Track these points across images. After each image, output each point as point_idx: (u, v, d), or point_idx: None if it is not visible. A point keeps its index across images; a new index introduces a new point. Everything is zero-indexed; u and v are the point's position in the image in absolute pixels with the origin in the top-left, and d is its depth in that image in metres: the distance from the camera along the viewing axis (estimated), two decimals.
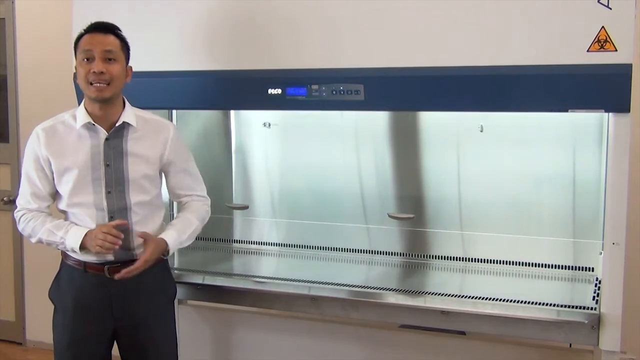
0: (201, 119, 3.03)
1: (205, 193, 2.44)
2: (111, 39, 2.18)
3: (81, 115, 2.21)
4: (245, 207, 3.03)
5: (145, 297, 2.28)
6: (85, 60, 2.15)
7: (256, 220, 3.04)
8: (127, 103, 2.26)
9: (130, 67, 2.26)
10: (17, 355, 4.02)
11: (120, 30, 2.22)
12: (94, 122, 2.20)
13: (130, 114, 2.24)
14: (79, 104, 2.53)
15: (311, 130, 2.88)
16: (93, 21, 2.21)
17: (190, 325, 2.94)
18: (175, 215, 2.43)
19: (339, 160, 2.87)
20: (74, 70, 2.63)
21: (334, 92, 2.33)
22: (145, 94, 2.29)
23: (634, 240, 2.34)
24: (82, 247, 2.16)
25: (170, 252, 2.29)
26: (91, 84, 2.15)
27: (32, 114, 3.88)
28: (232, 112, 3.04)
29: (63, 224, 2.22)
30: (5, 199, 4.02)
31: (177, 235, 2.29)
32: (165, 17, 2.51)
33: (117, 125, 2.21)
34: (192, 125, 2.85)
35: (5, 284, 4.12)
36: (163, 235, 2.26)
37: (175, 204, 2.95)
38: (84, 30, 2.20)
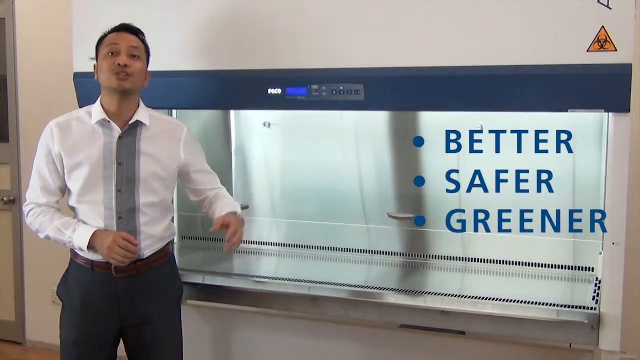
0: (201, 119, 3.03)
1: None
2: (136, 39, 2.24)
3: (97, 111, 2.23)
4: (245, 207, 3.02)
5: (152, 297, 2.29)
6: (110, 54, 2.19)
7: (256, 220, 3.04)
8: (141, 103, 2.29)
9: (149, 73, 2.29)
10: (17, 355, 4.02)
11: (143, 35, 2.28)
12: (109, 119, 2.21)
13: (144, 113, 2.27)
14: (80, 103, 2.55)
15: (311, 130, 2.88)
16: (118, 23, 2.25)
17: (191, 325, 2.94)
18: (208, 209, 2.43)
19: (339, 160, 2.87)
20: (74, 71, 2.66)
21: (334, 92, 2.33)
22: (145, 94, 2.29)
23: (634, 240, 2.34)
24: (90, 247, 2.17)
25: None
26: (113, 73, 2.17)
27: (32, 114, 3.89)
28: (232, 112, 3.04)
29: (71, 222, 2.22)
30: (5, 199, 4.02)
31: (235, 205, 2.39)
32: (165, 17, 2.51)
33: (130, 123, 2.23)
34: (192, 125, 2.85)
35: (5, 284, 4.12)
36: (227, 211, 2.32)
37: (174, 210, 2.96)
38: (108, 31, 2.24)
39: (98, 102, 2.25)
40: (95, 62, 2.26)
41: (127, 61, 2.18)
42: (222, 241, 3.06)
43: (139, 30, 2.27)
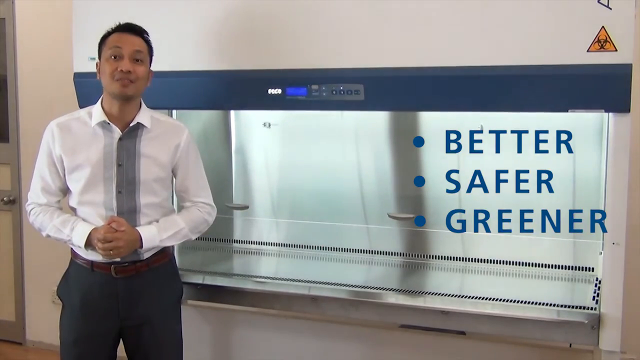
0: (201, 119, 3.03)
1: (211, 201, 2.39)
2: (140, 41, 2.21)
3: (97, 113, 2.22)
4: (245, 207, 3.03)
5: (151, 297, 2.29)
6: (113, 57, 2.17)
7: (256, 220, 3.04)
8: (143, 104, 2.28)
9: (152, 71, 2.27)
10: (17, 355, 4.02)
11: (147, 35, 2.25)
12: (109, 121, 2.21)
13: (145, 116, 2.26)
14: (80, 104, 2.55)
15: (311, 130, 2.88)
16: (122, 22, 2.23)
17: (191, 325, 2.94)
18: None
19: (339, 160, 2.87)
20: (74, 71, 2.66)
21: (334, 92, 2.33)
22: (146, 94, 2.29)
23: (634, 240, 2.34)
24: (88, 244, 2.17)
25: (145, 246, 2.21)
26: (116, 80, 2.16)
27: (32, 114, 3.89)
28: (232, 112, 3.04)
29: (69, 220, 2.22)
30: (5, 199, 4.02)
31: (157, 231, 2.23)
32: (165, 17, 2.51)
33: (131, 125, 2.22)
34: (192, 126, 2.85)
35: (5, 284, 4.12)
36: (139, 229, 2.21)
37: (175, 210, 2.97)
38: (112, 29, 2.22)
39: (99, 103, 2.25)
40: (96, 61, 2.25)
41: (130, 67, 2.16)
42: (222, 241, 3.08)
43: (142, 30, 2.24)
